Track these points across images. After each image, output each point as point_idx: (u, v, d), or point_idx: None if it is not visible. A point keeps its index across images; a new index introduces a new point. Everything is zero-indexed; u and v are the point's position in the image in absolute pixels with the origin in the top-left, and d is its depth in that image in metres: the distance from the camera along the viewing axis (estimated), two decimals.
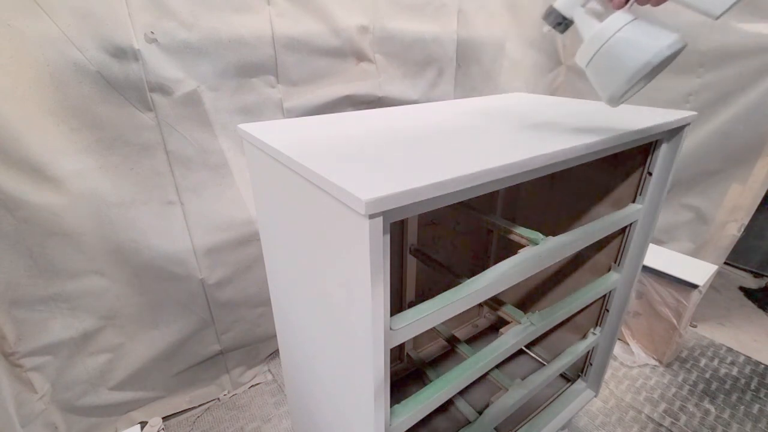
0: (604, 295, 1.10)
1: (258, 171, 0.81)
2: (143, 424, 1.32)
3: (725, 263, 2.08)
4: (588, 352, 1.22)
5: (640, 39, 0.60)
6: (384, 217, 0.47)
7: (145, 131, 1.09)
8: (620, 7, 0.63)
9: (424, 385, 0.75)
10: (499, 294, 0.74)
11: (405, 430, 0.69)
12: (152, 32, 1.03)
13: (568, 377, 1.31)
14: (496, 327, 1.53)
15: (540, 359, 1.39)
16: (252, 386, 1.56)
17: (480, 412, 0.96)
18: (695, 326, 1.87)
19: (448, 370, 0.78)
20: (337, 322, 0.64)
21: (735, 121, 1.60)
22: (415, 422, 0.70)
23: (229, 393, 1.52)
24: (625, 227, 1.00)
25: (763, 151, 1.58)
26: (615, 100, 0.66)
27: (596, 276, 1.09)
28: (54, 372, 1.16)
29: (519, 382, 1.01)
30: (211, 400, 1.49)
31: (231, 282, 1.38)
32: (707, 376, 1.60)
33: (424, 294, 1.30)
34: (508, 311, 0.94)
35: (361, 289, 0.52)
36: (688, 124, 0.88)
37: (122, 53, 1.00)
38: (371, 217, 0.46)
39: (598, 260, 1.12)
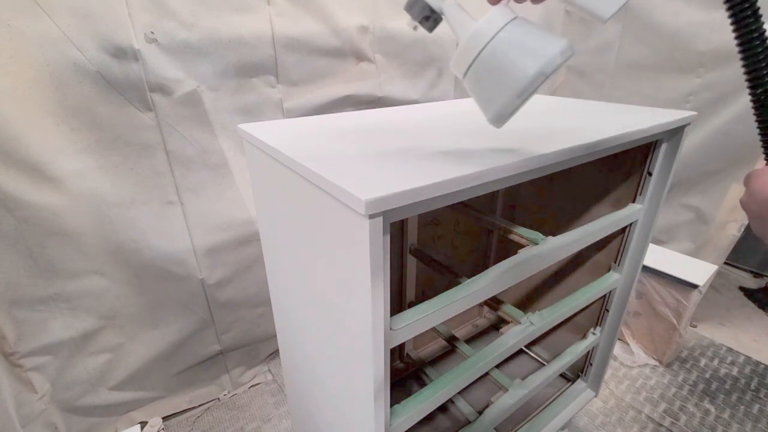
0: (604, 295, 1.10)
1: (258, 171, 0.81)
2: (143, 424, 1.32)
3: (725, 263, 2.08)
4: (588, 352, 1.22)
5: (528, 43, 0.47)
6: (384, 217, 0.47)
7: (145, 131, 1.09)
8: (496, 2, 0.49)
9: (424, 385, 0.74)
10: (499, 294, 0.74)
11: (405, 430, 0.69)
12: (152, 32, 1.02)
13: (568, 377, 1.31)
14: (496, 327, 1.53)
15: (540, 359, 1.39)
16: (252, 386, 1.56)
17: (480, 412, 0.96)
18: (695, 326, 1.87)
19: (448, 370, 0.78)
20: (337, 322, 0.64)
21: (735, 121, 1.60)
22: (415, 422, 0.70)
23: (229, 393, 1.52)
24: (625, 227, 1.00)
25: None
26: (504, 119, 0.51)
27: (596, 276, 1.09)
28: (54, 372, 1.16)
29: (519, 382, 1.01)
30: (211, 400, 1.49)
31: (231, 282, 1.38)
32: (707, 376, 1.59)
33: (424, 294, 1.30)
34: (508, 311, 0.94)
35: (361, 289, 0.52)
36: (688, 124, 0.88)
37: (122, 53, 1.00)
38: (371, 217, 0.46)
39: (598, 260, 1.12)
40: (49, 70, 0.94)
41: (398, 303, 1.25)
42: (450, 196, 0.53)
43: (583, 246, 0.86)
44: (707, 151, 1.70)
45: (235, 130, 1.22)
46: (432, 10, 0.52)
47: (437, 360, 1.38)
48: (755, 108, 0.44)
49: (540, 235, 0.80)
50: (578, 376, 1.29)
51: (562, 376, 1.32)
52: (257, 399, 1.50)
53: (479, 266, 1.47)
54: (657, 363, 1.65)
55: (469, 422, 0.96)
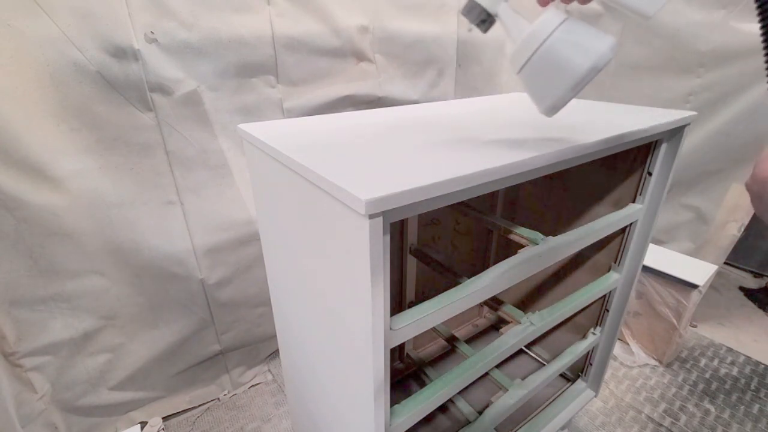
0: (604, 295, 1.10)
1: (258, 171, 0.81)
2: (143, 424, 1.32)
3: (725, 263, 2.08)
4: (588, 352, 1.22)
5: (581, 41, 0.53)
6: (384, 217, 0.47)
7: (145, 131, 1.09)
8: (546, 4, 0.56)
9: (424, 385, 0.75)
10: (499, 294, 0.74)
11: (405, 430, 0.69)
12: (152, 32, 1.02)
13: (568, 377, 1.31)
14: (496, 327, 1.53)
15: (540, 359, 1.39)
16: (252, 386, 1.56)
17: (480, 412, 0.96)
18: (695, 326, 1.87)
19: (448, 370, 0.78)
20: (337, 322, 0.64)
21: (735, 121, 1.60)
22: (415, 422, 0.70)
23: (229, 393, 1.52)
24: (625, 227, 1.00)
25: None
26: (555, 110, 0.57)
27: (596, 276, 1.09)
28: (54, 372, 1.16)
29: (519, 382, 1.01)
30: (211, 400, 1.49)
31: (231, 282, 1.38)
32: (707, 376, 1.59)
33: (424, 294, 1.30)
34: (508, 311, 0.94)
35: (361, 289, 0.52)
36: (688, 124, 0.88)
37: (122, 53, 1.00)
38: (371, 217, 0.46)
39: (598, 260, 1.12)
40: (49, 70, 0.94)
41: (398, 303, 1.25)
42: (450, 196, 0.53)
43: (583, 246, 0.86)
44: (707, 151, 1.70)
45: (235, 130, 1.22)
46: (488, 14, 0.58)
47: (437, 360, 1.38)
48: None
49: (540, 235, 0.80)
50: (578, 376, 1.29)
51: (562, 376, 1.32)
52: (257, 399, 1.50)
53: (479, 266, 1.47)
54: (657, 363, 1.65)
55: (469, 422, 0.96)
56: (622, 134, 0.74)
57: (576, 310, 0.99)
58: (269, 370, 1.61)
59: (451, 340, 1.10)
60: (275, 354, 1.62)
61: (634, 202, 0.99)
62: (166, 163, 1.15)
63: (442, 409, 1.17)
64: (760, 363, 1.66)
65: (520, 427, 1.12)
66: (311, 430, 1.01)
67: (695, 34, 1.58)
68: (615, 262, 1.07)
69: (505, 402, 0.96)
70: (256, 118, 1.27)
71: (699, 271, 1.54)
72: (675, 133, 0.90)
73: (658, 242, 1.91)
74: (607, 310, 1.12)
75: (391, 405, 0.67)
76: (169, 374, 1.37)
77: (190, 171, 1.20)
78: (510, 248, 0.83)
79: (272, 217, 0.81)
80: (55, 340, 1.14)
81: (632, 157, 0.97)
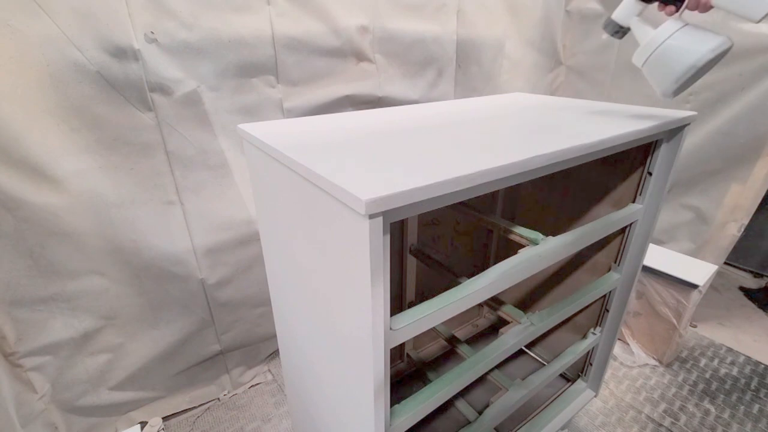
0: (604, 295, 1.10)
1: (258, 171, 0.81)
2: (143, 424, 1.32)
3: (725, 263, 2.08)
4: (588, 352, 1.22)
5: (687, 45, 0.70)
6: (384, 217, 0.47)
7: (145, 131, 1.09)
8: (672, 14, 0.74)
9: (424, 385, 0.75)
10: (499, 294, 0.74)
11: (405, 430, 0.69)
12: (152, 32, 1.02)
13: (568, 377, 1.31)
14: (496, 327, 1.53)
15: (540, 359, 1.39)
16: (252, 386, 1.56)
17: (480, 412, 0.96)
18: (695, 326, 1.87)
19: (448, 370, 0.78)
20: (337, 321, 0.64)
21: (735, 121, 1.60)
22: (415, 422, 0.70)
23: (229, 393, 1.52)
24: (625, 227, 1.00)
25: (763, 151, 1.58)
26: (667, 96, 0.75)
27: (596, 276, 1.09)
28: (54, 372, 1.16)
29: (519, 382, 1.01)
30: (211, 400, 1.49)
31: (231, 282, 1.38)
32: (707, 376, 1.60)
33: (424, 294, 1.30)
34: (508, 311, 0.94)
35: (361, 289, 0.52)
36: (688, 124, 0.88)
37: (122, 53, 1.00)
38: (371, 217, 0.46)
39: (598, 260, 1.12)
40: (49, 70, 0.94)
41: (398, 303, 1.25)
42: (450, 196, 0.53)
43: (583, 246, 0.86)
44: (707, 151, 1.70)
45: (235, 130, 1.22)
46: (621, 26, 0.79)
47: (437, 360, 1.38)
48: None
49: (540, 235, 0.80)
50: (578, 376, 1.29)
51: (562, 376, 1.32)
52: (257, 399, 1.50)
53: (479, 266, 1.47)
54: (657, 363, 1.65)
55: (469, 422, 0.96)
56: (622, 134, 0.74)
57: (576, 310, 0.99)
58: (269, 370, 1.61)
59: (451, 340, 1.11)
60: (275, 354, 1.62)
61: (634, 202, 0.99)
62: (166, 163, 1.15)
63: (442, 409, 1.17)
64: (760, 363, 1.66)
65: (520, 427, 1.12)
66: (311, 430, 1.01)
67: None
68: (615, 262, 1.07)
69: (505, 402, 0.96)
70: (256, 118, 1.27)
71: (699, 271, 1.54)
72: (675, 133, 0.90)
73: (658, 242, 1.91)
74: (607, 310, 1.12)
75: (391, 405, 0.67)
76: (169, 374, 1.37)
77: (190, 171, 1.20)
78: (510, 248, 0.83)
79: (272, 217, 0.81)
80: (55, 340, 1.14)
81: (632, 157, 0.97)
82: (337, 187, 0.49)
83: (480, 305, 1.16)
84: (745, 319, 1.95)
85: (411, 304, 1.25)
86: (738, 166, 1.65)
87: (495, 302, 0.96)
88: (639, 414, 1.43)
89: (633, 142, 0.81)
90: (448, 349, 1.40)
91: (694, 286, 1.48)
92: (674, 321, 1.56)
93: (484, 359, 0.81)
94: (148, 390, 1.35)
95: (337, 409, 0.78)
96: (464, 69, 1.68)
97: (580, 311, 1.10)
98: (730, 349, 1.73)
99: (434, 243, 1.27)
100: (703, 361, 1.67)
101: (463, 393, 1.17)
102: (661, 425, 1.38)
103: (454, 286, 0.68)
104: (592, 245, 0.91)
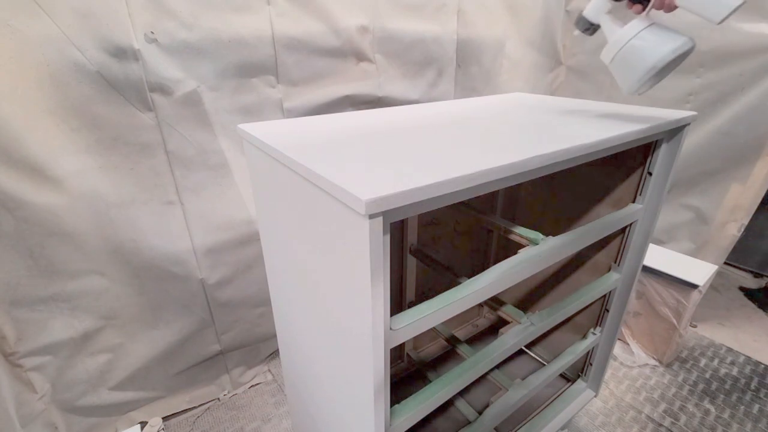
0: (604, 295, 1.10)
1: (258, 171, 0.81)
2: (143, 424, 1.32)
3: (725, 263, 2.08)
4: (588, 352, 1.22)
5: (650, 45, 0.70)
6: (384, 217, 0.47)
7: (145, 131, 1.09)
8: (639, 13, 0.74)
9: (424, 385, 0.75)
10: (499, 294, 0.74)
11: (405, 430, 0.69)
12: (152, 32, 1.02)
13: (568, 377, 1.31)
14: (496, 327, 1.53)
15: (540, 359, 1.39)
16: (252, 386, 1.56)
17: (480, 412, 0.96)
18: (695, 326, 1.87)
19: (448, 370, 0.78)
20: (338, 322, 0.64)
21: (735, 121, 1.60)
22: (415, 422, 0.70)
23: (229, 393, 1.52)
24: (625, 227, 1.00)
25: (763, 151, 1.58)
26: (632, 93, 0.76)
27: (596, 276, 1.09)
28: (54, 372, 1.16)
29: (519, 382, 1.01)
30: (211, 400, 1.49)
31: (231, 282, 1.38)
32: (707, 376, 1.59)
33: (424, 294, 1.30)
34: (508, 311, 0.94)
35: (361, 289, 0.52)
36: (688, 124, 0.88)
37: (122, 53, 1.00)
38: (371, 217, 0.46)
39: (598, 260, 1.12)
40: (49, 70, 0.94)
41: (398, 303, 1.25)
42: (450, 196, 0.53)
43: (583, 246, 0.86)
44: (707, 151, 1.70)
45: (235, 130, 1.22)
46: (591, 23, 0.80)
47: (437, 360, 1.38)
48: None
49: (540, 235, 0.80)
50: (578, 376, 1.29)
51: (562, 376, 1.32)
52: (257, 399, 1.50)
53: (479, 266, 1.47)
54: (657, 363, 1.65)
55: (469, 422, 0.96)
56: (622, 134, 0.74)
57: (576, 310, 0.99)
58: (269, 370, 1.61)
59: (451, 340, 1.11)
60: (275, 354, 1.62)
61: (634, 202, 0.99)
62: (166, 163, 1.15)
63: (442, 409, 1.17)
64: (760, 363, 1.66)
65: (520, 427, 1.12)
66: (311, 430, 1.01)
67: (695, 35, 1.57)
68: (615, 262, 1.07)
69: (505, 402, 0.96)
70: (256, 118, 1.27)
71: (699, 271, 1.54)
72: (675, 133, 0.90)
73: (658, 242, 1.91)
74: (607, 310, 1.12)
75: (391, 405, 0.67)
76: (169, 374, 1.37)
77: (190, 171, 1.20)
78: (510, 248, 0.83)
79: (272, 217, 0.81)
80: (55, 340, 1.14)
81: (632, 157, 0.97)
82: (337, 187, 0.49)
83: (480, 305, 1.16)
84: (745, 319, 1.95)
85: (411, 304, 1.25)
86: (738, 166, 1.65)
87: (495, 302, 0.96)
88: (639, 414, 1.43)
89: (633, 142, 0.81)
90: (448, 349, 1.40)
91: (694, 286, 1.48)
92: (674, 321, 1.56)
93: (484, 359, 0.81)
94: (148, 390, 1.35)
95: (337, 409, 0.78)
96: (464, 69, 1.68)
97: (580, 311, 1.10)
98: (730, 349, 1.73)
99: (434, 243, 1.27)
100: (703, 361, 1.67)
101: (463, 393, 1.17)
102: (661, 425, 1.38)
103: (454, 286, 0.68)
104: (592, 245, 0.91)
